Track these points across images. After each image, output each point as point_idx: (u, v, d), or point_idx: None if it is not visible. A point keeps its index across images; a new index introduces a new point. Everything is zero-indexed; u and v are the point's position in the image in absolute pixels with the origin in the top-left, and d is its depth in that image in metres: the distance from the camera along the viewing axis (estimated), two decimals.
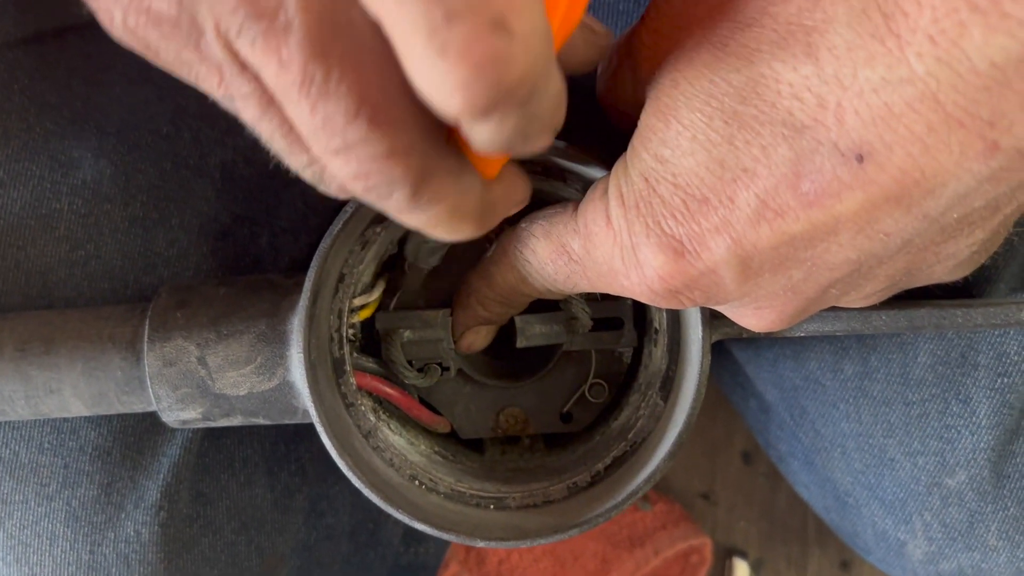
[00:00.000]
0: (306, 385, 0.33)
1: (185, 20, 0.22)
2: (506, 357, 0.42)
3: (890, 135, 0.23)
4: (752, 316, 0.31)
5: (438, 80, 0.19)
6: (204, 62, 0.23)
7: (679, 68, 0.26)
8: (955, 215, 0.25)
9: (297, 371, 0.34)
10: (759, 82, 0.25)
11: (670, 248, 0.27)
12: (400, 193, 0.24)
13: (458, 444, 0.43)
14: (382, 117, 0.22)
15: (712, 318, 0.35)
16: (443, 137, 0.24)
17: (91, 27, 0.40)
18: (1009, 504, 0.42)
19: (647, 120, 0.27)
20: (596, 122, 0.36)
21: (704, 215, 0.26)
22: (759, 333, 0.34)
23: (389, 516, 0.49)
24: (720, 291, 0.28)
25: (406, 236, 0.39)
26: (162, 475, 0.41)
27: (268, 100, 0.23)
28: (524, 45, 0.19)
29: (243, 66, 0.22)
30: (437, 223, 0.26)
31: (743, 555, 0.83)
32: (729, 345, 0.53)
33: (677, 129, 0.26)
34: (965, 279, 0.33)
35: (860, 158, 0.24)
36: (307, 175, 0.25)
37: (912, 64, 0.22)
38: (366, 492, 0.34)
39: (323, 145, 0.22)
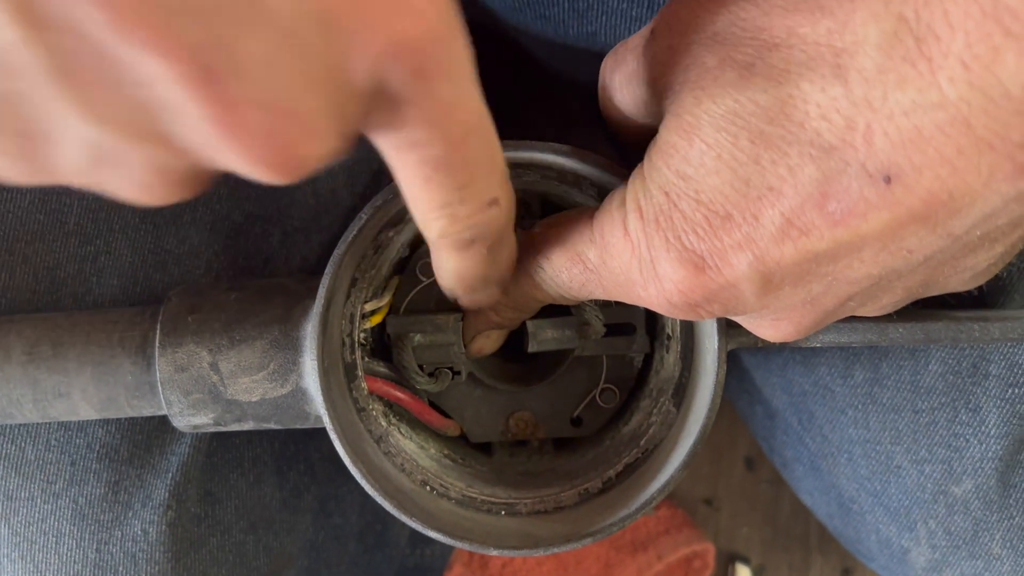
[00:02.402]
0: (319, 392, 0.33)
1: None
2: (517, 361, 0.42)
3: (919, 157, 0.23)
4: (769, 327, 0.31)
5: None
6: None
7: (702, 86, 0.26)
8: (978, 232, 0.25)
9: (310, 378, 0.33)
10: (787, 103, 0.24)
11: (690, 263, 0.27)
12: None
13: (467, 447, 0.42)
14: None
15: (728, 327, 0.35)
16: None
17: None
18: (1015, 513, 0.43)
19: (668, 137, 0.27)
20: (601, 127, 0.35)
21: (727, 231, 0.26)
22: (775, 343, 0.34)
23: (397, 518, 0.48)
24: (739, 304, 0.28)
25: (417, 240, 0.39)
26: (171, 474, 0.41)
27: None
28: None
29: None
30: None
31: (745, 561, 0.83)
32: (737, 350, 0.53)
33: (701, 148, 0.26)
34: (980, 288, 0.33)
35: (888, 179, 0.24)
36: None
37: (944, 88, 0.22)
38: (379, 500, 0.33)
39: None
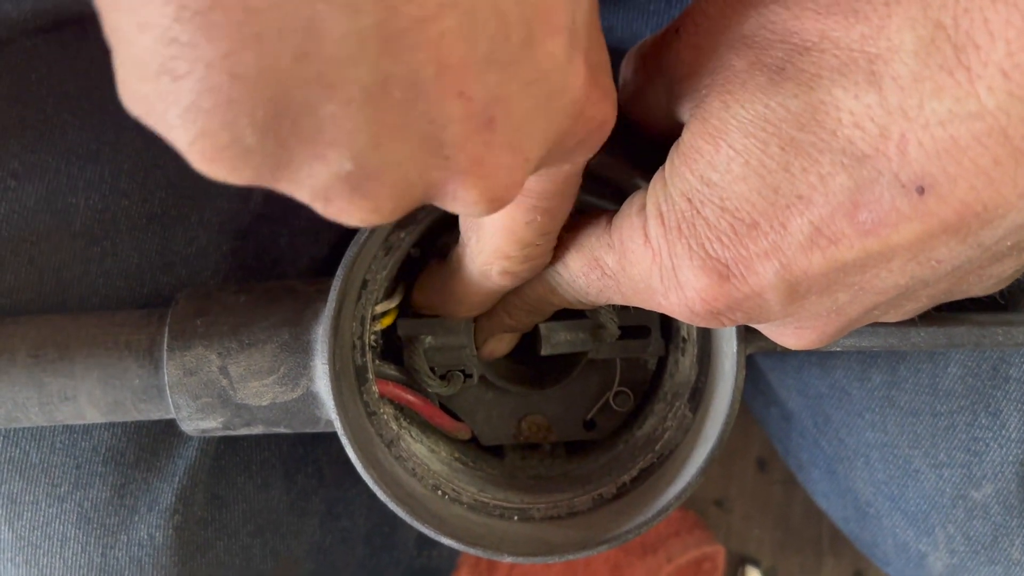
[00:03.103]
0: (331, 396, 0.32)
1: None
2: (529, 363, 0.42)
3: (954, 168, 0.22)
4: (792, 335, 0.30)
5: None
6: None
7: (730, 90, 0.25)
8: (1008, 243, 0.25)
9: (322, 382, 0.33)
10: (819, 109, 0.24)
11: (714, 271, 0.27)
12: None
13: (478, 450, 0.42)
14: None
15: (747, 332, 0.34)
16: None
17: None
18: None
19: (693, 141, 0.26)
20: (620, 126, 0.35)
21: (753, 239, 0.26)
22: (795, 350, 0.34)
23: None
24: (763, 313, 0.28)
25: (428, 241, 0.38)
26: (177, 478, 0.40)
27: None
28: None
29: None
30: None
31: (756, 563, 0.83)
32: (754, 353, 0.52)
33: (729, 154, 0.25)
34: (1001, 292, 0.33)
35: (921, 190, 0.23)
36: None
37: (982, 98, 0.22)
38: (392, 506, 0.33)
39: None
